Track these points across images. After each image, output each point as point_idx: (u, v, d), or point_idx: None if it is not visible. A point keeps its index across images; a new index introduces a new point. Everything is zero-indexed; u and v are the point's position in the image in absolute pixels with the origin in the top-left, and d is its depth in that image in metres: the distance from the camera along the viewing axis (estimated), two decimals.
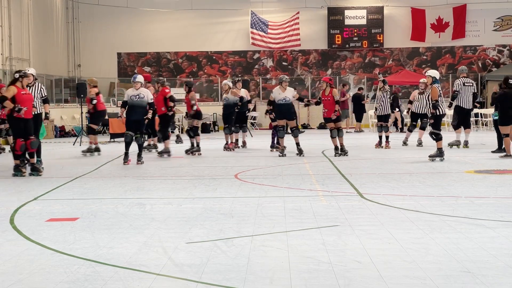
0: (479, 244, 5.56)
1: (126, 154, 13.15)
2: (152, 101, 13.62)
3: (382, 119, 16.25)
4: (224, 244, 5.71)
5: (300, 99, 15.04)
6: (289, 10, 30.60)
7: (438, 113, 13.08)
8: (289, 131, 15.15)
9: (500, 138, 14.27)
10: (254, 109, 30.06)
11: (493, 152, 14.32)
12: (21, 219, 7.10)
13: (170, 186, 9.87)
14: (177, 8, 30.54)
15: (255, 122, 28.99)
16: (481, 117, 25.37)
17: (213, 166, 12.80)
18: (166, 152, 14.92)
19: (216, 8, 30.24)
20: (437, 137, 13.02)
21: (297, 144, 14.51)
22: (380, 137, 16.41)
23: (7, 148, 17.05)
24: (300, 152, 14.42)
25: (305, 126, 29.89)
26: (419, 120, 16.94)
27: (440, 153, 12.95)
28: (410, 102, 17.14)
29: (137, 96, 13.34)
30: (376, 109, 16.55)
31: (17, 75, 11.46)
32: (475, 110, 26.07)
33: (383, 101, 16.17)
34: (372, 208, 7.52)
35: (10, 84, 11.65)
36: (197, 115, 15.66)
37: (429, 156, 13.05)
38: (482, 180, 10.01)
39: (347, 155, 14.21)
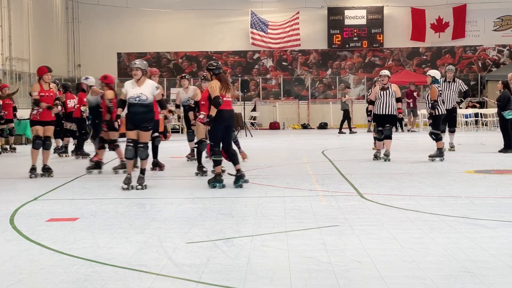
0: (479, 244, 5.56)
1: None
2: None
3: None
4: (224, 244, 5.71)
5: (160, 102, 9.87)
6: (289, 10, 30.60)
7: (436, 113, 13.06)
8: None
9: (508, 138, 14.29)
10: (254, 109, 30.13)
11: (500, 151, 14.30)
12: (21, 219, 7.09)
13: (170, 186, 9.86)
14: (177, 8, 30.54)
15: (255, 122, 29.00)
16: (481, 117, 25.38)
17: None
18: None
19: (216, 8, 30.24)
20: (437, 137, 13.01)
21: (142, 170, 9.50)
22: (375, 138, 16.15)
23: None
24: (140, 182, 9.39)
25: (305, 126, 29.88)
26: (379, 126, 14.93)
27: (440, 153, 12.94)
28: (372, 103, 13.44)
29: None
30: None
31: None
32: (476, 110, 26.12)
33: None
34: (372, 208, 7.51)
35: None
36: (70, 117, 15.62)
37: (429, 156, 13.05)
38: (482, 180, 10.00)
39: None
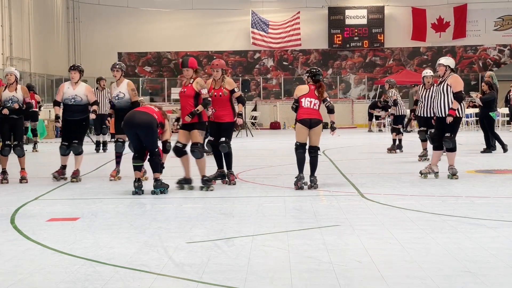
0: (480, 244, 5.55)
1: None
2: None
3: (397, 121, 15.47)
4: (224, 244, 5.71)
5: None
6: (290, 10, 30.60)
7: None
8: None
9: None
10: (255, 109, 30.12)
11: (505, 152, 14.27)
12: (22, 219, 7.09)
13: (171, 185, 9.85)
14: (178, 8, 30.55)
15: (255, 122, 29.00)
16: None
17: (214, 166, 12.79)
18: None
19: (216, 8, 30.24)
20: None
21: None
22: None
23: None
24: None
25: None
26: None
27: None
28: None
29: None
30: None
31: None
32: (471, 110, 26.07)
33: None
34: (373, 208, 7.51)
35: None
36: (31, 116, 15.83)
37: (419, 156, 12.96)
38: (483, 180, 10.00)
39: None
